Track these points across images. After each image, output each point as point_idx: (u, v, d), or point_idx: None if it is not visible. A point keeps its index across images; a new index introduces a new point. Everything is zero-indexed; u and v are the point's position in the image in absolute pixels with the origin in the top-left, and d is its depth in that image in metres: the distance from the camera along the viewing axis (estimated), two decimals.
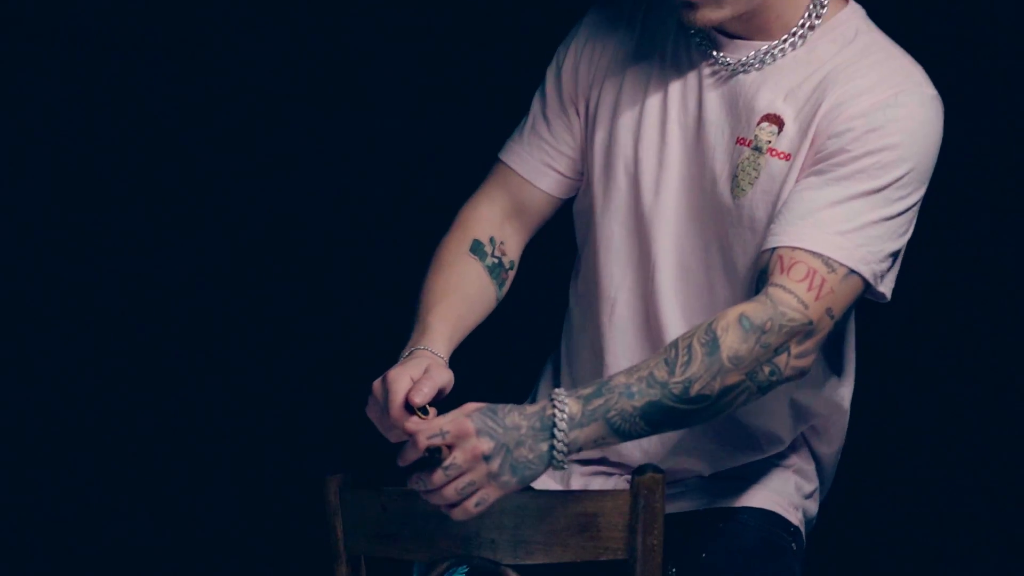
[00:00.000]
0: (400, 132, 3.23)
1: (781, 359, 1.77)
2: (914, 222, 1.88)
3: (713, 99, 1.94)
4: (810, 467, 2.11)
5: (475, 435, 1.69)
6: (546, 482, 2.05)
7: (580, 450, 1.73)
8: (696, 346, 1.75)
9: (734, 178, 1.91)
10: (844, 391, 2.08)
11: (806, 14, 1.91)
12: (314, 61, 3.24)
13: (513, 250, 2.09)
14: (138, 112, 3.24)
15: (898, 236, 1.84)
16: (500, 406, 1.72)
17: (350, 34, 3.23)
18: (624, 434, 1.73)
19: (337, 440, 3.19)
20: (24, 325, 3.28)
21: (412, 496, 1.76)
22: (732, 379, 1.75)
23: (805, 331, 1.77)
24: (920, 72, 1.88)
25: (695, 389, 1.73)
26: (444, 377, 1.81)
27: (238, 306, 3.31)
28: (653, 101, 1.99)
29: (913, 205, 1.85)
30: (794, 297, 1.77)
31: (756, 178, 1.90)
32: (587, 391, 1.73)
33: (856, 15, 1.93)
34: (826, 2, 1.91)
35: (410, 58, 3.22)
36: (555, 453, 1.71)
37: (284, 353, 3.30)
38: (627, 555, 1.75)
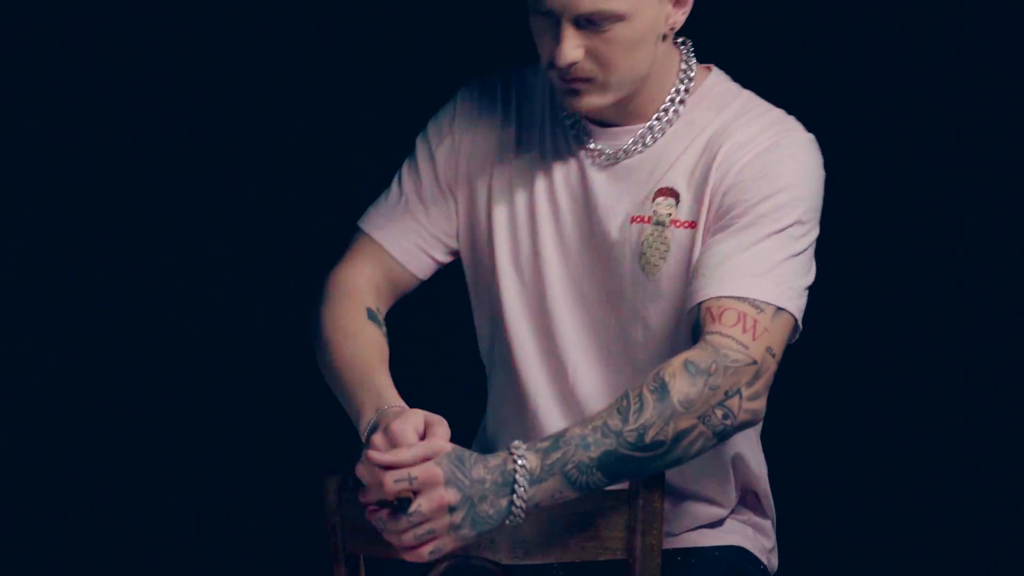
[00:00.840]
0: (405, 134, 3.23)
1: (733, 402, 1.76)
2: (814, 261, 1.91)
3: (601, 184, 1.96)
4: (767, 523, 2.10)
5: (443, 485, 1.66)
6: None
7: (537, 506, 1.71)
8: (646, 393, 1.73)
9: (642, 256, 1.93)
10: (753, 434, 2.08)
11: (674, 90, 1.95)
12: (307, 57, 3.24)
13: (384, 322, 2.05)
14: (135, 111, 3.25)
15: (807, 272, 1.88)
16: (467, 454, 1.69)
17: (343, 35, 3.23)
18: (581, 487, 1.71)
19: (337, 440, 3.19)
20: (24, 325, 3.28)
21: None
22: (685, 423, 1.73)
23: (752, 372, 1.77)
24: (794, 120, 1.94)
25: (649, 436, 1.72)
26: (446, 424, 1.77)
27: (238, 305, 3.31)
28: (542, 195, 1.99)
29: (813, 242, 1.89)
30: (732, 340, 1.78)
31: (667, 251, 1.92)
32: (544, 444, 1.71)
33: (722, 79, 1.98)
34: (693, 74, 1.95)
35: (402, 58, 3.22)
36: (513, 509, 1.69)
37: (284, 353, 3.29)
38: (627, 555, 1.75)
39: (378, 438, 1.74)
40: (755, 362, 1.78)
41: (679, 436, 1.74)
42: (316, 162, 3.29)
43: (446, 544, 1.68)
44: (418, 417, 1.76)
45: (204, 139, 3.27)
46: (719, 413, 1.75)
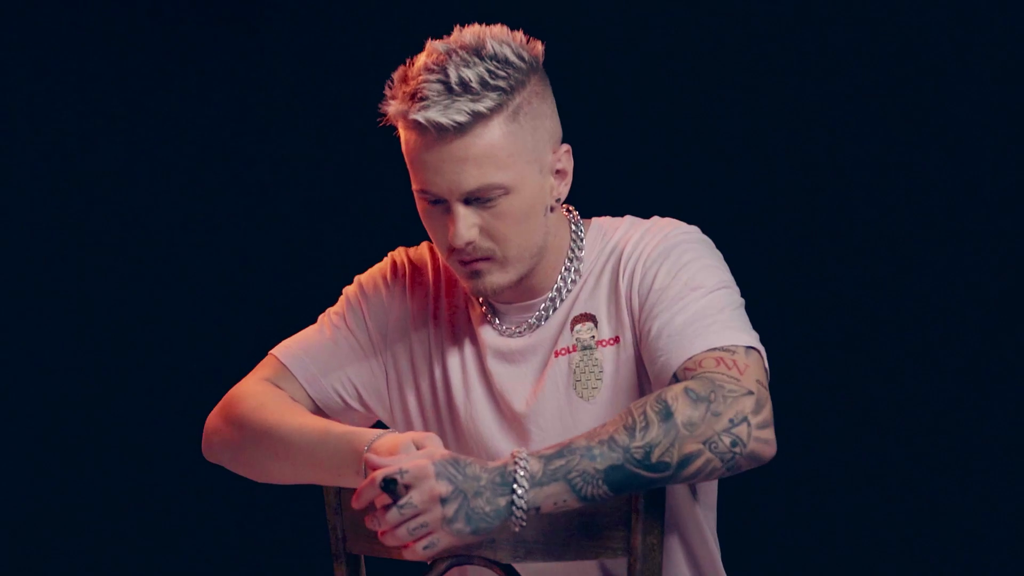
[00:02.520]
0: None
1: (742, 430, 1.75)
2: None
3: (520, 348, 1.99)
4: None
5: (434, 477, 1.68)
6: None
7: (539, 510, 1.71)
8: (650, 413, 1.74)
9: (576, 383, 1.95)
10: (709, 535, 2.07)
11: (569, 252, 2.00)
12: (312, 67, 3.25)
13: None
14: (132, 113, 3.25)
15: (751, 327, 1.89)
16: (462, 457, 1.70)
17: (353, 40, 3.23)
18: (585, 497, 1.71)
19: None
20: (24, 326, 3.28)
21: None
22: (690, 447, 1.73)
23: (753, 401, 1.77)
24: (672, 218, 2.00)
25: (656, 455, 1.72)
26: (439, 440, 1.79)
27: (239, 305, 3.31)
28: (471, 362, 2.01)
29: (744, 304, 1.91)
30: (721, 375, 1.78)
31: (601, 372, 1.94)
32: (548, 452, 1.72)
33: (603, 219, 2.04)
34: (582, 233, 2.01)
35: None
36: (514, 510, 1.69)
37: None
38: (627, 554, 1.75)
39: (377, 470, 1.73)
40: (751, 392, 1.77)
41: (685, 460, 1.73)
42: (317, 169, 3.30)
43: (440, 539, 1.69)
44: (412, 447, 1.77)
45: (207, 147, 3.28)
46: (727, 440, 1.74)
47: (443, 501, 1.67)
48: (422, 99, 1.85)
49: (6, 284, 3.27)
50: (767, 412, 1.78)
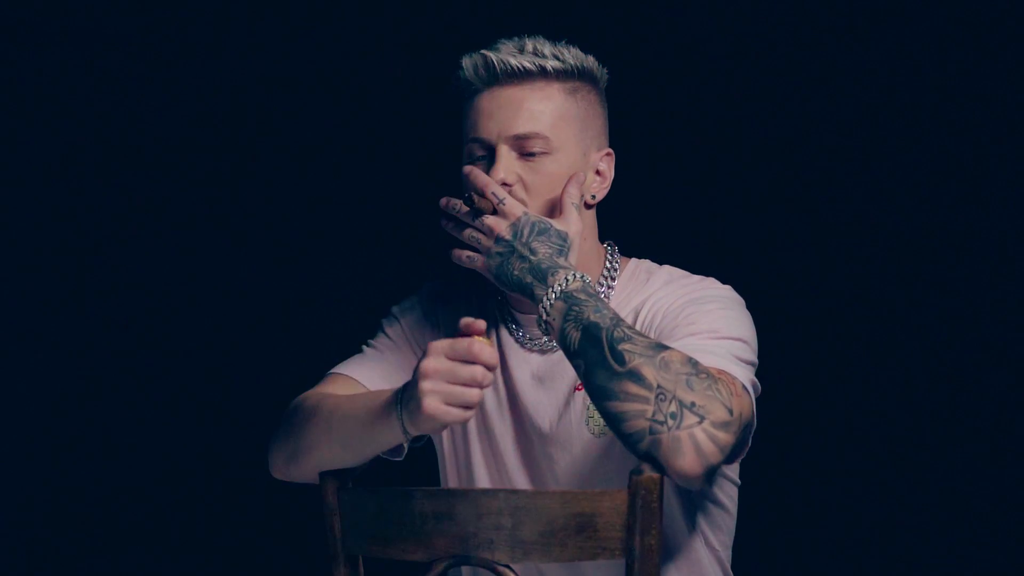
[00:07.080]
0: (400, 137, 3.24)
1: (692, 419, 1.76)
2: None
3: (540, 366, 2.10)
4: None
5: (510, 221, 1.96)
6: None
7: (541, 311, 1.88)
8: (655, 338, 1.86)
9: (589, 419, 2.04)
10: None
11: (601, 277, 2.12)
12: (308, 63, 3.25)
13: None
14: (133, 113, 3.26)
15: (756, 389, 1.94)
16: (550, 230, 1.97)
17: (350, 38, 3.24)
18: (562, 331, 1.86)
19: None
20: (26, 327, 3.28)
21: (409, 497, 1.78)
22: (648, 374, 1.77)
23: (725, 417, 1.78)
24: (711, 278, 2.09)
25: (625, 347, 1.80)
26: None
27: (240, 307, 3.32)
28: (497, 377, 2.12)
29: (755, 367, 1.96)
30: (723, 382, 1.81)
31: None
32: (590, 289, 1.89)
33: (643, 262, 2.16)
34: (617, 264, 2.14)
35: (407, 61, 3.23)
36: (544, 302, 1.88)
37: (285, 353, 3.30)
38: (625, 555, 1.75)
39: (434, 354, 1.81)
40: (731, 413, 1.78)
41: (635, 376, 1.78)
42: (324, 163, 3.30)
43: (475, 260, 1.99)
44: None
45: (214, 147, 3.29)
46: (671, 408, 1.76)
47: (497, 239, 1.96)
48: (497, 49, 2.04)
49: (14, 286, 3.29)
50: (725, 440, 1.77)
